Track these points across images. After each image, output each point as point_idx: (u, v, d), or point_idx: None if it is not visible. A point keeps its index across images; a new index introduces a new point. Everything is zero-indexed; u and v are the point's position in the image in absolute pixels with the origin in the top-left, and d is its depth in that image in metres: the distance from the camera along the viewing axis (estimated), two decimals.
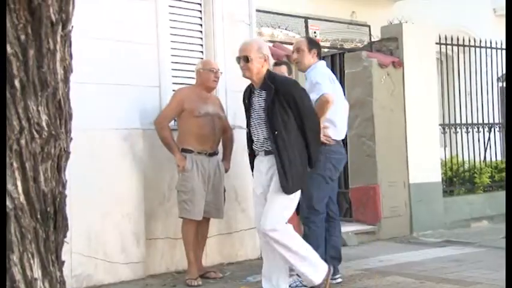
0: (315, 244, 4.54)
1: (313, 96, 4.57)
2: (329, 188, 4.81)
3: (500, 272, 5.06)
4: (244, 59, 4.19)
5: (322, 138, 4.56)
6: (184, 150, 4.97)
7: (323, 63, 5.00)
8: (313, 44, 4.98)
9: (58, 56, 2.21)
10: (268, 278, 4.20)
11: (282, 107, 4.05)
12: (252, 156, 4.32)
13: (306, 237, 4.65)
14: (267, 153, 4.16)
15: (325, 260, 4.74)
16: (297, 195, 4.14)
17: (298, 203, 4.62)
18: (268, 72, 4.22)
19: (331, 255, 4.83)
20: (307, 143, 4.13)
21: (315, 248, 4.46)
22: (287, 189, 4.02)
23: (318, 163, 4.55)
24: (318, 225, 4.71)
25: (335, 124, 4.78)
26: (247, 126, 4.32)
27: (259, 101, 4.20)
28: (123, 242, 5.02)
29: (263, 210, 4.12)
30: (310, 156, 4.16)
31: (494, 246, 6.41)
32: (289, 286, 4.57)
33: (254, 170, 4.32)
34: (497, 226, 7.93)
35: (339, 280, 4.80)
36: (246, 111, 4.32)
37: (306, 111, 4.15)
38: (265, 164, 4.17)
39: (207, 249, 5.37)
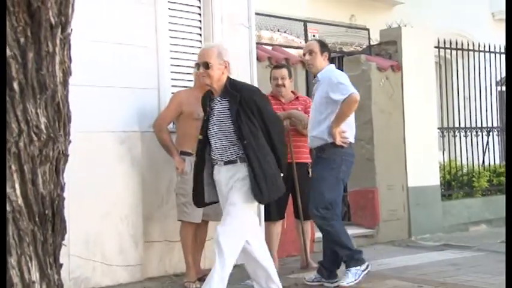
0: (344, 239, 4.72)
1: (338, 97, 4.63)
2: (341, 190, 4.87)
3: (498, 276, 5.07)
4: (204, 65, 4.07)
5: (340, 141, 4.65)
6: (183, 153, 4.97)
7: (333, 66, 5.07)
8: (324, 46, 5.00)
9: (57, 58, 2.22)
10: (258, 282, 4.19)
11: (247, 115, 3.97)
12: (201, 165, 4.19)
13: (331, 237, 4.75)
14: (226, 163, 4.05)
15: (328, 263, 4.81)
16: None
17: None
18: (229, 79, 4.12)
19: (332, 258, 4.86)
20: (273, 148, 4.06)
21: (344, 244, 4.68)
22: (261, 199, 3.98)
23: (334, 164, 4.67)
24: (336, 222, 4.76)
25: (352, 127, 4.83)
26: (201, 134, 4.18)
27: (221, 109, 4.07)
28: (121, 244, 5.02)
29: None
30: (279, 161, 4.09)
31: (493, 250, 6.41)
32: (308, 281, 4.88)
33: (210, 181, 4.19)
34: (496, 230, 7.93)
35: (336, 284, 4.82)
36: (204, 119, 4.19)
37: (269, 116, 4.09)
38: (224, 174, 4.07)
39: (206, 252, 5.36)
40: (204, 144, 4.16)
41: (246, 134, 3.93)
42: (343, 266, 4.99)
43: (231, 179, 4.02)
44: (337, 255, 4.86)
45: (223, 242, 3.93)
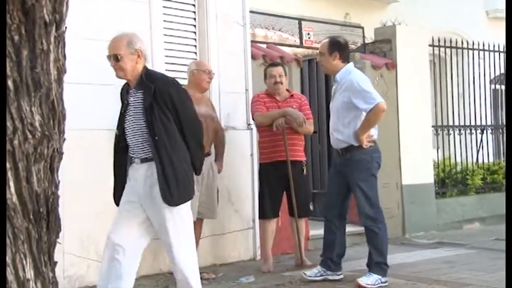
0: (385, 246, 4.84)
1: (363, 105, 4.65)
2: (377, 186, 4.97)
3: (492, 273, 5.10)
4: (114, 58, 3.71)
5: (368, 143, 4.74)
6: None
7: (352, 65, 4.99)
8: (334, 46, 4.86)
9: (51, 56, 2.21)
10: None
11: (161, 109, 3.59)
12: (120, 162, 3.82)
13: (373, 240, 4.82)
14: (143, 160, 3.66)
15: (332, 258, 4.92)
16: (187, 205, 3.68)
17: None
18: (146, 69, 3.75)
19: (338, 252, 4.96)
20: (188, 149, 3.69)
21: (383, 250, 4.80)
22: (170, 202, 3.54)
23: (367, 164, 4.73)
24: (384, 226, 4.87)
25: (375, 126, 4.86)
26: (117, 129, 3.83)
27: (135, 101, 3.68)
28: None
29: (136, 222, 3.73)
30: (194, 164, 3.73)
31: (486, 248, 6.44)
32: (310, 276, 4.92)
33: (128, 179, 3.77)
34: (489, 228, 7.97)
35: (341, 276, 5.00)
36: (121, 113, 3.81)
37: (185, 113, 3.68)
38: (142, 172, 3.66)
39: (200, 250, 5.35)
40: (120, 140, 3.80)
41: (158, 130, 3.56)
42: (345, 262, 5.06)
43: (148, 178, 3.62)
44: (345, 250, 5.01)
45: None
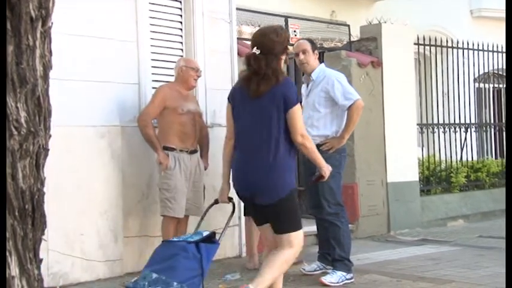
0: (347, 241, 4.87)
1: (343, 102, 4.80)
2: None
3: (476, 270, 5.15)
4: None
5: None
6: (166, 148, 4.96)
7: (324, 64, 5.19)
8: (315, 45, 5.11)
9: (37, 52, 2.20)
10: None
11: None
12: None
13: (337, 234, 4.86)
14: None
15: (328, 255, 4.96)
16: None
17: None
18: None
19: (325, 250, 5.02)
20: None
21: (344, 245, 4.82)
22: None
23: (336, 162, 4.75)
24: (346, 221, 4.97)
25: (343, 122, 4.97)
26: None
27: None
28: (100, 239, 4.99)
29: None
30: None
31: (470, 245, 6.50)
32: (309, 271, 5.00)
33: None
34: (473, 225, 8.05)
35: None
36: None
37: None
38: None
39: None
40: None
41: None
42: None
43: None
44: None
45: None
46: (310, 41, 5.15)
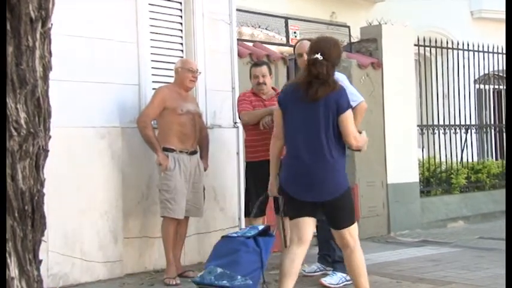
0: None
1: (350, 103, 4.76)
2: None
3: (476, 271, 5.14)
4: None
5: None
6: (165, 149, 4.95)
7: None
8: None
9: (37, 53, 2.19)
10: None
11: None
12: None
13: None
14: None
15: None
16: None
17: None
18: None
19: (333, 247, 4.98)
20: None
21: None
22: None
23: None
24: None
25: None
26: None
27: None
28: (100, 240, 4.99)
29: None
30: None
31: (470, 246, 6.49)
32: (310, 272, 4.98)
33: None
34: (473, 226, 8.04)
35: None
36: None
37: None
38: None
39: (186, 248, 5.36)
40: None
41: None
42: None
43: None
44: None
45: None
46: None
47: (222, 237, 4.24)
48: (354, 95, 4.81)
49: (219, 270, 3.78)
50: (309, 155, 3.68)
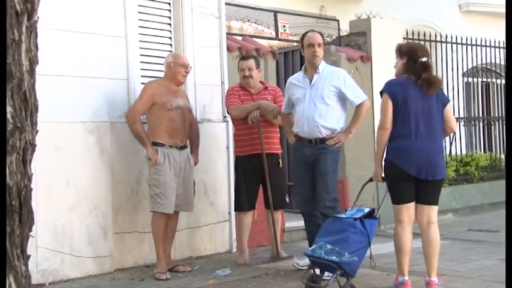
0: None
1: (354, 99, 4.96)
2: None
3: (465, 263, 5.17)
4: None
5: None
6: (155, 144, 4.94)
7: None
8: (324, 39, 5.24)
9: (23, 47, 2.18)
10: None
11: None
12: None
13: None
14: None
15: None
16: None
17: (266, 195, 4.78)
18: None
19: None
20: None
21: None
22: None
23: (338, 158, 5.07)
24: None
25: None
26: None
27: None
28: (90, 236, 4.98)
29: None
30: None
31: (459, 239, 6.53)
32: (303, 266, 4.92)
33: None
34: (462, 219, 8.08)
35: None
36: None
37: None
38: None
39: (176, 242, 5.35)
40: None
41: None
42: None
43: None
44: None
45: None
46: (322, 34, 5.24)
47: (331, 217, 4.57)
48: (358, 91, 5.03)
49: (329, 246, 4.14)
50: (428, 140, 4.33)
